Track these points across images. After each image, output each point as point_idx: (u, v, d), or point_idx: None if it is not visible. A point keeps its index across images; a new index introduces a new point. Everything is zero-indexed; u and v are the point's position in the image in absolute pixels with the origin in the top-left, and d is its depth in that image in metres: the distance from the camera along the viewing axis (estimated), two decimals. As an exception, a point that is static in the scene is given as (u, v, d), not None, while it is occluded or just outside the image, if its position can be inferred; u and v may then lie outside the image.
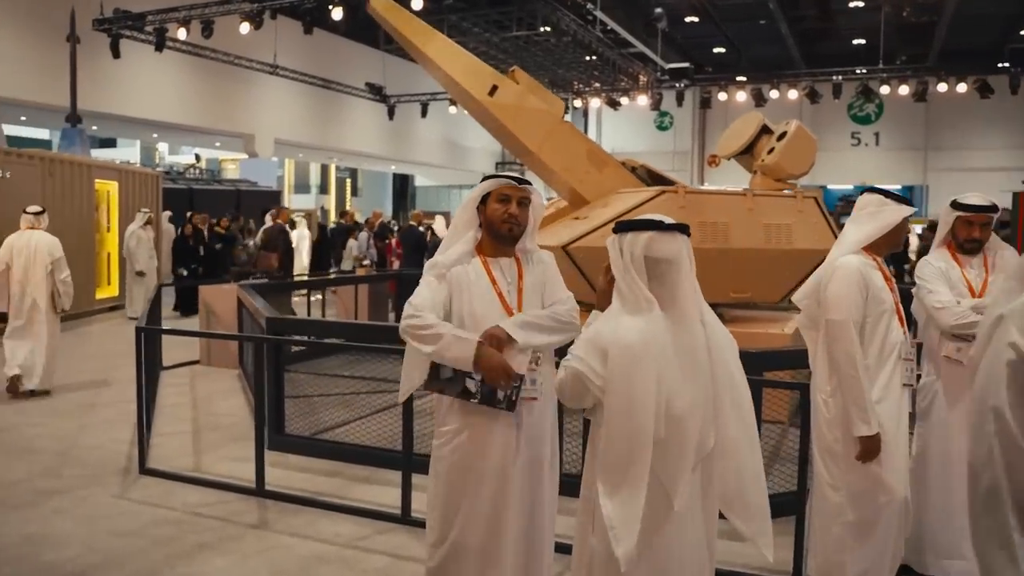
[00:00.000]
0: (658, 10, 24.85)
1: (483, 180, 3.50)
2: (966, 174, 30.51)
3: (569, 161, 7.62)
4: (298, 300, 12.23)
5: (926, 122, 31.30)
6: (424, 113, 27.78)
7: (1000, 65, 24.95)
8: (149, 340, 7.53)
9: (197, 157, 30.68)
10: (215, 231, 16.27)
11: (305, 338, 7.55)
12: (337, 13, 17.32)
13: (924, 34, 26.25)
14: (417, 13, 18.04)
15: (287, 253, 14.20)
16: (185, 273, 14.99)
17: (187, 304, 14.63)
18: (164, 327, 10.57)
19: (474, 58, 7.17)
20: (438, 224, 16.42)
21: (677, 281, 2.62)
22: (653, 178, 8.65)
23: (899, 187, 33.54)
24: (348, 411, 7.85)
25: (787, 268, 8.90)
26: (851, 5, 25.08)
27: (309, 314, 11.51)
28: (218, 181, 27.22)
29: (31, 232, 8.86)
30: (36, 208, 9.14)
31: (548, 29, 20.37)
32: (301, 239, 17.17)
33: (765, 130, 9.05)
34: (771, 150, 8.84)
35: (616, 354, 2.52)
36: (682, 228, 2.67)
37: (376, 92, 27.08)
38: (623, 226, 2.68)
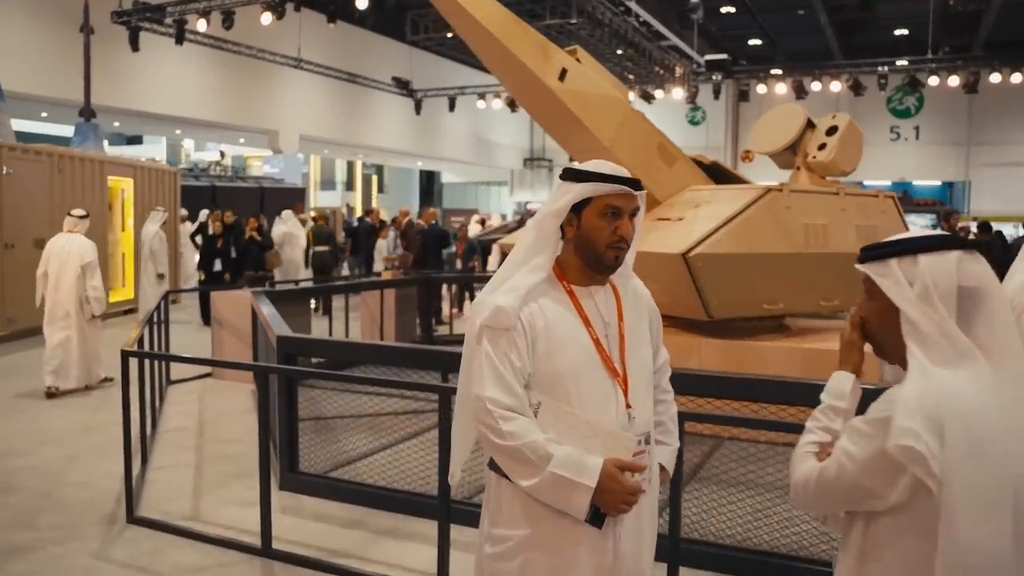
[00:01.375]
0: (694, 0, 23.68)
1: (566, 176, 2.36)
2: (1012, 169, 29.08)
3: (641, 156, 6.47)
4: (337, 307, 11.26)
5: (969, 115, 29.79)
6: (452, 107, 26.74)
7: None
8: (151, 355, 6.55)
9: (222, 154, 29.82)
10: (253, 238, 14.98)
11: (321, 369, 6.43)
12: (362, 2, 16.27)
13: (968, 24, 24.90)
14: None
15: (423, 252, 13.64)
16: (202, 278, 13.80)
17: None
18: (167, 339, 9.56)
19: (541, 36, 5.92)
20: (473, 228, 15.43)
21: (992, 319, 1.72)
22: (722, 175, 7.61)
23: (939, 183, 32.14)
24: (374, 437, 6.82)
25: (870, 273, 7.90)
26: (897, -8, 23.80)
27: (331, 327, 10.44)
28: (241, 178, 26.27)
29: (69, 236, 8.67)
30: (80, 212, 8.96)
31: (576, 21, 19.22)
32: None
33: (807, 124, 8.19)
34: (822, 146, 8.03)
35: (957, 428, 1.60)
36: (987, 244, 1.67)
37: (403, 86, 26.12)
38: (906, 244, 1.79)
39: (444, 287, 14.09)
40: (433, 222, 13.93)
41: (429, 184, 40.99)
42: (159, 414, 7.73)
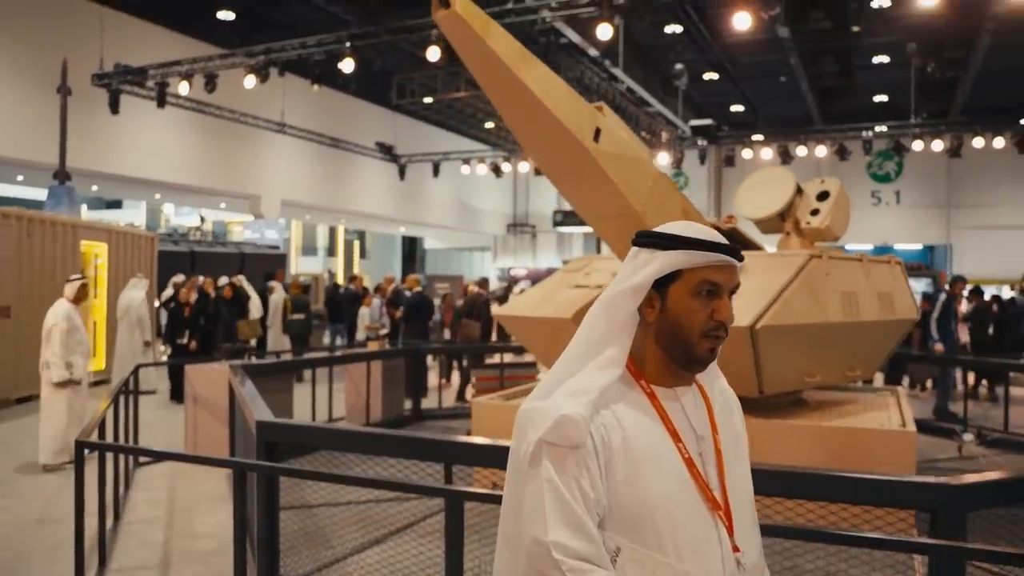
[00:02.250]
0: (678, 66, 23.61)
1: (646, 241, 1.74)
2: (992, 232, 28.97)
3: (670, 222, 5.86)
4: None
5: (948, 179, 29.80)
6: (436, 173, 26.35)
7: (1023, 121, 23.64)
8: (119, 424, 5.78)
9: (202, 219, 29.18)
10: (221, 296, 13.90)
11: (308, 469, 5.63)
12: (348, 65, 15.85)
13: (945, 90, 25.00)
14: (434, 65, 16.68)
15: (488, 322, 13.13)
16: (167, 351, 12.62)
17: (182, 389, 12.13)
18: (136, 418, 8.74)
19: (573, 90, 5.18)
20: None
21: None
22: (740, 241, 7.11)
23: (920, 247, 31.99)
24: (364, 529, 6.06)
25: (887, 341, 7.46)
26: (875, 61, 23.91)
27: (314, 401, 9.65)
28: (222, 243, 25.61)
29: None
30: (73, 276, 8.61)
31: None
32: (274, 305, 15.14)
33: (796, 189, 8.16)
34: (815, 211, 7.93)
35: None
36: None
37: (387, 152, 25.73)
38: None
39: (430, 357, 13.47)
40: (418, 289, 13.22)
41: (411, 250, 40.46)
42: (124, 502, 6.93)
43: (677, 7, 19.82)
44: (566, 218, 35.94)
